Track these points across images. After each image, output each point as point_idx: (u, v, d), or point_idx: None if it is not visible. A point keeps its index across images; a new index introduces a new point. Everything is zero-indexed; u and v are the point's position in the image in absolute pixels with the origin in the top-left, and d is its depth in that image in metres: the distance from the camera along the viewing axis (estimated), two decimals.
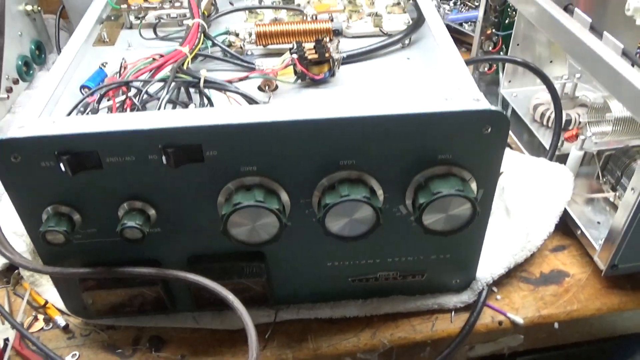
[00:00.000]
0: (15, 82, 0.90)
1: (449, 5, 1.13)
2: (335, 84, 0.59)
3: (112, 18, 0.70)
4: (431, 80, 0.58)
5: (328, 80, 0.59)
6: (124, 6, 0.69)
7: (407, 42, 0.65)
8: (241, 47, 0.63)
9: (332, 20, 0.65)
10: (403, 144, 0.48)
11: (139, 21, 0.69)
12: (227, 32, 0.64)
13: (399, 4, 0.70)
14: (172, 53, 0.57)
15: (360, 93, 0.57)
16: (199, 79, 0.53)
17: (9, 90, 0.87)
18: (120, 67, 0.57)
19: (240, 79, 0.54)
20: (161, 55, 0.57)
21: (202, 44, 0.61)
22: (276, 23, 0.63)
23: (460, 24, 1.08)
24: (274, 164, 0.48)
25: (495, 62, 0.85)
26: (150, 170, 0.47)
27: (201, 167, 0.48)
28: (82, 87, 0.55)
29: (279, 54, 0.62)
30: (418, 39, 0.66)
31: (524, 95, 0.85)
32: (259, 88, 0.57)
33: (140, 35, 0.66)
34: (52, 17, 1.06)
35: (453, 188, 0.47)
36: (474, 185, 0.50)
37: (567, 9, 0.76)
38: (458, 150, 0.48)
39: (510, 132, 0.82)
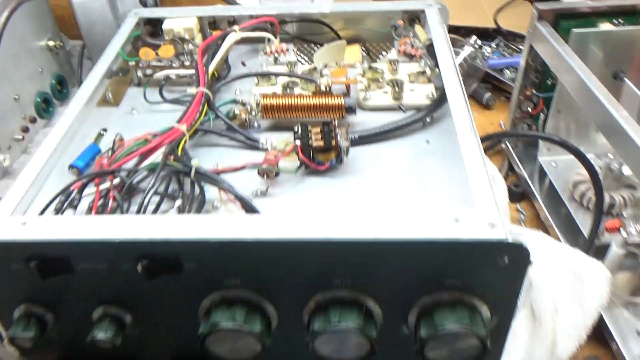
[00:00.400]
0: (33, 120, 0.88)
1: (490, 47, 1.05)
2: (343, 172, 0.53)
3: (120, 74, 0.67)
4: (447, 178, 0.52)
5: (336, 167, 0.53)
6: (132, 63, 0.66)
7: (428, 120, 0.59)
8: (246, 121, 0.58)
9: (346, 94, 0.59)
10: (405, 267, 0.42)
11: (147, 78, 0.66)
12: (234, 101, 0.60)
13: (423, 73, 0.64)
14: (167, 132, 0.53)
15: (367, 187, 0.52)
16: (190, 168, 0.48)
17: (25, 130, 0.86)
18: (114, 143, 0.54)
19: (236, 169, 0.49)
20: (155, 135, 0.53)
21: (205, 115, 0.57)
22: (284, 96, 0.58)
23: (501, 70, 1.00)
24: (259, 279, 0.43)
25: (528, 139, 0.78)
26: (124, 278, 0.43)
27: (180, 277, 0.43)
28: (71, 166, 0.52)
29: (288, 127, 0.57)
30: (441, 116, 0.60)
31: (565, 165, 0.77)
32: (259, 172, 0.52)
33: (145, 98, 0.63)
34: (79, 42, 1.04)
35: (460, 322, 0.41)
36: (486, 313, 0.44)
37: (616, 77, 0.68)
38: (469, 278, 0.42)
39: (543, 208, 0.74)
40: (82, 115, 0.61)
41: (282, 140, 0.55)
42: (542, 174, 0.78)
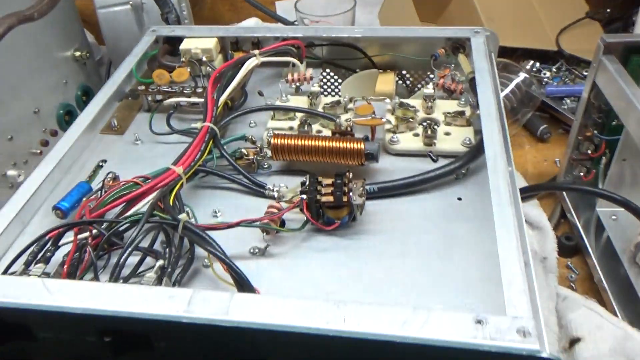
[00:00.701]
0: (54, 133, 0.85)
1: (550, 71, 0.94)
2: (356, 232, 0.46)
3: (131, 97, 0.62)
4: (477, 250, 0.44)
5: (348, 225, 0.46)
6: (141, 87, 0.61)
7: (463, 171, 0.51)
8: (254, 163, 0.52)
9: (367, 139, 0.52)
10: None
11: (157, 104, 0.61)
12: (244, 138, 0.54)
13: (462, 113, 0.55)
14: (161, 176, 0.47)
15: (382, 252, 0.44)
16: (178, 222, 0.43)
17: (44, 144, 0.83)
18: (103, 184, 0.49)
19: (230, 226, 0.43)
20: (147, 179, 0.47)
21: (208, 153, 0.51)
22: (297, 137, 0.51)
23: (561, 99, 0.90)
24: None
25: (584, 194, 0.68)
26: (89, 350, 0.38)
27: (150, 355, 0.38)
28: (55, 208, 0.47)
29: (302, 172, 0.51)
30: (479, 167, 0.52)
31: (627, 220, 0.66)
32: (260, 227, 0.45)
33: (151, 129, 0.57)
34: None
35: None
36: None
37: None
38: None
39: (597, 268, 0.65)
40: (82, 143, 0.56)
41: (291, 188, 0.48)
42: (600, 227, 0.68)
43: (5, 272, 0.41)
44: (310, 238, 0.46)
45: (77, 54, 0.91)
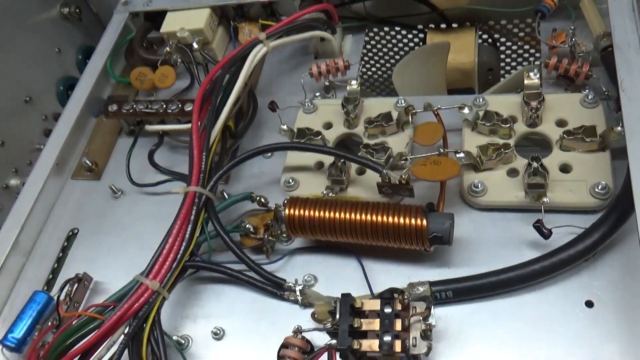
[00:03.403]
0: (57, 117, 0.71)
1: None
2: None
3: (109, 110, 0.45)
4: None
5: None
6: (113, 108, 0.44)
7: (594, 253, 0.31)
8: (265, 244, 0.35)
9: (433, 207, 0.32)
10: None
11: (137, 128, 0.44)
12: (250, 197, 0.36)
13: (592, 133, 0.33)
14: (131, 297, 0.32)
15: None
16: None
17: (48, 134, 0.70)
18: (58, 304, 0.35)
19: None
20: (108, 308, 0.32)
21: (199, 234, 0.35)
22: (321, 206, 0.33)
23: None
24: None
25: None
26: None
27: None
28: (3, 344, 0.35)
29: (338, 249, 0.34)
30: (622, 238, 0.31)
31: None
32: None
33: (130, 179, 0.41)
34: None
35: None
36: None
37: None
38: None
39: None
40: (48, 197, 0.43)
41: (322, 297, 0.32)
42: None
43: None
44: None
45: (65, 10, 0.73)
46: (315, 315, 0.32)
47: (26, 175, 0.67)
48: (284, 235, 0.36)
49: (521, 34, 0.44)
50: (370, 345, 0.28)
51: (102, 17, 0.77)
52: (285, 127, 0.38)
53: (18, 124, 0.67)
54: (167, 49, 0.45)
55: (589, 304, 0.30)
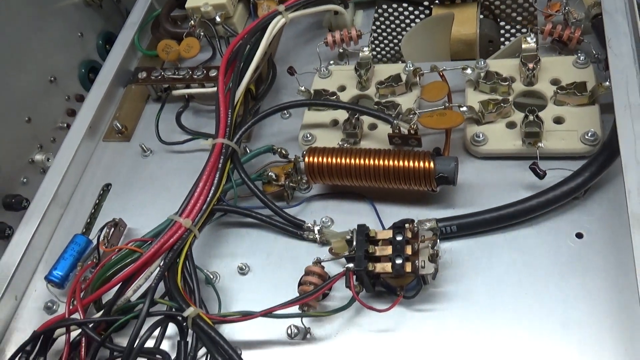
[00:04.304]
0: (80, 98, 0.74)
1: None
2: (426, 298, 0.33)
3: (139, 77, 0.48)
4: (608, 321, 0.30)
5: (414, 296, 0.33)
6: (142, 75, 0.47)
7: (584, 190, 0.35)
8: (286, 190, 0.39)
9: (440, 151, 0.36)
10: None
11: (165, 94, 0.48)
12: (271, 150, 0.40)
13: (583, 88, 0.37)
14: (166, 233, 0.36)
15: (463, 327, 0.32)
16: (184, 319, 0.32)
17: (71, 113, 0.73)
18: (98, 242, 0.38)
19: (251, 317, 0.32)
20: (146, 242, 0.36)
21: (226, 181, 0.39)
22: (339, 153, 0.37)
23: None
24: None
25: None
26: None
27: None
28: (48, 280, 0.38)
29: (353, 194, 0.38)
30: (609, 179, 0.35)
31: None
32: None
33: (159, 138, 0.45)
34: None
35: None
36: None
37: None
38: None
39: None
40: (82, 157, 0.47)
41: (339, 233, 0.35)
42: None
43: None
44: (365, 311, 0.34)
45: None
46: (333, 250, 0.35)
47: (51, 151, 0.71)
48: (304, 181, 0.39)
49: (519, 10, 0.48)
50: (384, 267, 0.32)
51: (121, 4, 0.81)
52: (303, 88, 0.42)
53: (43, 102, 0.71)
54: (192, 22, 0.49)
55: (579, 235, 0.34)
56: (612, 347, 0.30)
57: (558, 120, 0.37)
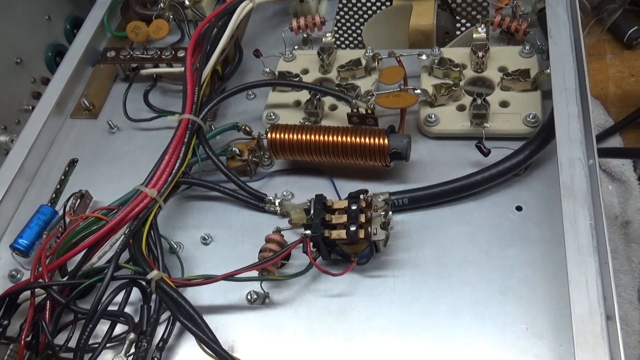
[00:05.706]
0: (45, 82, 0.74)
1: None
2: (378, 265, 0.36)
3: (108, 56, 0.49)
4: (540, 287, 0.33)
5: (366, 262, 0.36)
6: (111, 54, 0.48)
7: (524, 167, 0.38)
8: (249, 165, 0.41)
9: (394, 128, 0.39)
10: None
11: (133, 74, 0.49)
12: (236, 127, 0.42)
13: (526, 73, 0.40)
14: (132, 202, 0.37)
15: (410, 293, 0.34)
16: (148, 282, 0.33)
17: (37, 96, 0.73)
18: (65, 212, 0.39)
19: (212, 281, 0.34)
20: (112, 210, 0.37)
21: (192, 156, 0.40)
22: (300, 130, 0.39)
23: None
24: None
25: None
26: None
27: None
28: (13, 248, 0.39)
29: (314, 169, 0.40)
30: (547, 157, 0.38)
31: None
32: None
33: (126, 115, 0.46)
34: None
35: None
36: None
37: None
38: None
39: None
40: (49, 133, 0.47)
41: (298, 205, 0.37)
42: None
43: None
44: (321, 277, 0.36)
45: None
46: (292, 221, 0.37)
47: (15, 133, 0.71)
48: (266, 157, 0.41)
49: (474, 4, 0.51)
50: (339, 234, 0.34)
51: None
52: (267, 69, 0.44)
53: (9, 83, 0.71)
54: (161, 4, 0.50)
55: (519, 208, 0.37)
56: (545, 309, 0.32)
57: (503, 104, 0.40)
